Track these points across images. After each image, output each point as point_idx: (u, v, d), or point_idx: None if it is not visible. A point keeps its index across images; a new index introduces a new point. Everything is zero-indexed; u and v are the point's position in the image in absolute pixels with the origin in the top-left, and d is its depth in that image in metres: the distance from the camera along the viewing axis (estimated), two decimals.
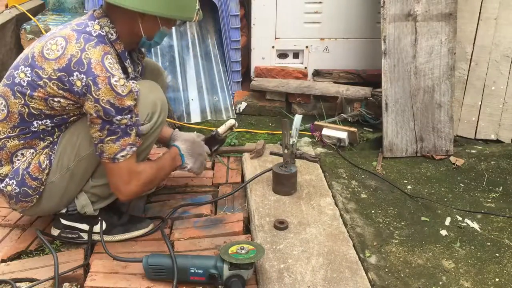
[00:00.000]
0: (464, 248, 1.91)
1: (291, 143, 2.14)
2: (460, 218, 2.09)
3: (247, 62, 3.34)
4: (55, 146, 1.77)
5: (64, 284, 1.72)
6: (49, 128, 1.75)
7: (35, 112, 1.70)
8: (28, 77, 1.68)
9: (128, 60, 1.84)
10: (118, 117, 1.64)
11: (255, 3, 3.12)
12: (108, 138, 1.66)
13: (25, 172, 1.75)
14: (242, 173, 2.44)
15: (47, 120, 1.73)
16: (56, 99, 1.68)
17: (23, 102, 1.69)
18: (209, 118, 3.07)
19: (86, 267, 1.78)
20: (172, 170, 2.01)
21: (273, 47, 3.22)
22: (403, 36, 2.60)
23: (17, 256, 1.87)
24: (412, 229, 2.02)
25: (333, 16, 3.16)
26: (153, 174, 1.83)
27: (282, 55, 3.27)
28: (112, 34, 1.74)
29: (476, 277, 1.75)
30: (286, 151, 2.16)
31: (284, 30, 3.18)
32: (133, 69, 1.87)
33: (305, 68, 3.26)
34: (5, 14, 2.97)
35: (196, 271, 1.64)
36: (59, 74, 1.64)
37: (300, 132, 2.40)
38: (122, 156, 1.69)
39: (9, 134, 1.73)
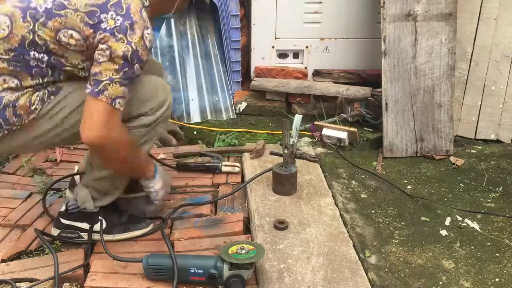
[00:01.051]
0: (464, 248, 1.91)
1: (291, 143, 2.14)
2: (460, 218, 2.09)
3: (247, 62, 3.34)
4: (52, 96, 1.72)
5: (64, 284, 1.72)
6: (43, 66, 1.68)
7: (39, 42, 1.64)
8: (48, 4, 1.63)
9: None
10: (138, 65, 1.65)
11: (255, 3, 3.12)
12: (120, 79, 1.61)
13: (10, 104, 1.67)
14: (242, 173, 2.44)
15: (45, 55, 1.66)
16: (69, 32, 1.62)
17: (31, 27, 1.63)
18: (209, 118, 3.07)
19: (86, 267, 1.78)
20: (141, 172, 1.91)
21: (273, 47, 3.22)
22: (403, 36, 2.60)
23: (17, 256, 1.87)
24: (412, 229, 2.02)
25: (333, 16, 3.16)
26: (127, 141, 1.74)
27: (282, 55, 3.27)
28: (146, 0, 1.75)
29: (476, 277, 1.75)
30: (286, 151, 2.16)
31: (284, 30, 3.18)
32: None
33: (305, 68, 3.26)
34: None
35: (196, 271, 1.64)
36: (90, 8, 1.60)
37: (300, 132, 2.40)
38: (120, 103, 1.64)
39: (1, 56, 1.66)
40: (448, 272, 1.77)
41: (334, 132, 2.70)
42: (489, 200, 2.23)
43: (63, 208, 1.92)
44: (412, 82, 2.62)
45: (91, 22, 1.61)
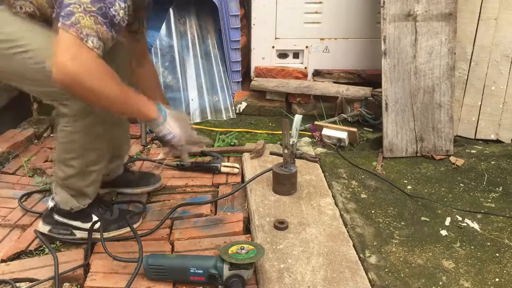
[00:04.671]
0: (464, 248, 1.91)
1: (291, 143, 2.14)
2: (460, 218, 2.09)
3: (247, 62, 3.34)
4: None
5: (64, 284, 1.72)
6: None
7: None
8: None
9: None
10: (118, 6, 1.48)
11: (255, 3, 3.12)
12: (95, 13, 1.44)
13: None
14: (242, 173, 2.44)
15: None
16: None
17: None
18: (209, 118, 3.07)
19: (86, 267, 1.78)
20: (140, 113, 1.64)
21: (273, 47, 3.22)
22: (403, 36, 2.60)
23: (17, 256, 1.87)
24: (412, 229, 2.02)
25: (333, 16, 3.16)
26: (103, 82, 1.48)
27: (282, 55, 3.27)
28: None
29: (476, 277, 1.75)
30: (286, 151, 2.16)
31: (284, 30, 3.18)
32: None
33: (305, 68, 3.26)
34: None
35: (196, 271, 1.64)
36: None
37: (300, 132, 2.40)
38: (93, 42, 1.44)
39: None
40: (448, 272, 1.77)
41: (334, 132, 2.70)
42: (489, 200, 2.23)
43: (51, 204, 1.89)
44: (412, 82, 2.62)
45: None
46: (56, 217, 1.89)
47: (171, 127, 1.68)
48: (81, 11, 1.42)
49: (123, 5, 1.50)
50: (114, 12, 1.47)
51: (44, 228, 1.91)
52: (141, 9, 1.80)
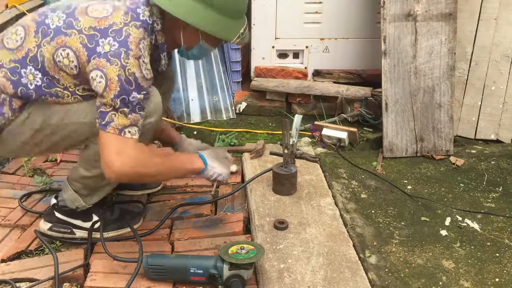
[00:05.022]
0: (464, 248, 1.91)
1: (291, 143, 2.14)
2: (460, 218, 2.09)
3: (247, 62, 3.34)
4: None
5: (64, 284, 1.72)
6: (31, 87, 1.68)
7: (39, 58, 1.65)
8: (60, 23, 1.65)
9: (165, 53, 1.82)
10: (136, 93, 1.60)
11: (255, 3, 3.12)
12: (122, 107, 1.59)
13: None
14: (242, 173, 2.44)
15: (39, 73, 1.67)
16: (66, 51, 1.62)
17: (38, 43, 1.65)
18: (209, 118, 3.07)
19: (86, 267, 1.78)
20: (188, 171, 1.85)
21: (273, 47, 3.22)
22: (403, 36, 2.60)
23: (17, 256, 1.87)
24: (412, 229, 2.02)
25: (333, 16, 3.16)
26: (149, 164, 1.67)
27: (282, 55, 3.27)
28: (158, 24, 1.72)
29: (476, 277, 1.75)
30: (286, 151, 2.16)
31: (284, 30, 3.18)
32: (165, 62, 1.86)
33: (305, 68, 3.26)
34: (5, 14, 2.96)
35: (196, 271, 1.64)
36: (92, 32, 1.61)
37: (300, 132, 2.40)
38: (130, 132, 1.61)
39: (4, 64, 1.68)
40: (448, 272, 1.77)
41: (334, 132, 2.70)
42: (489, 200, 2.23)
43: (53, 201, 1.91)
44: (412, 82, 2.62)
45: (89, 45, 1.60)
46: (57, 215, 1.90)
47: (216, 168, 1.87)
48: (111, 110, 1.59)
49: (140, 91, 1.62)
50: (133, 99, 1.60)
51: (45, 225, 1.92)
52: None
